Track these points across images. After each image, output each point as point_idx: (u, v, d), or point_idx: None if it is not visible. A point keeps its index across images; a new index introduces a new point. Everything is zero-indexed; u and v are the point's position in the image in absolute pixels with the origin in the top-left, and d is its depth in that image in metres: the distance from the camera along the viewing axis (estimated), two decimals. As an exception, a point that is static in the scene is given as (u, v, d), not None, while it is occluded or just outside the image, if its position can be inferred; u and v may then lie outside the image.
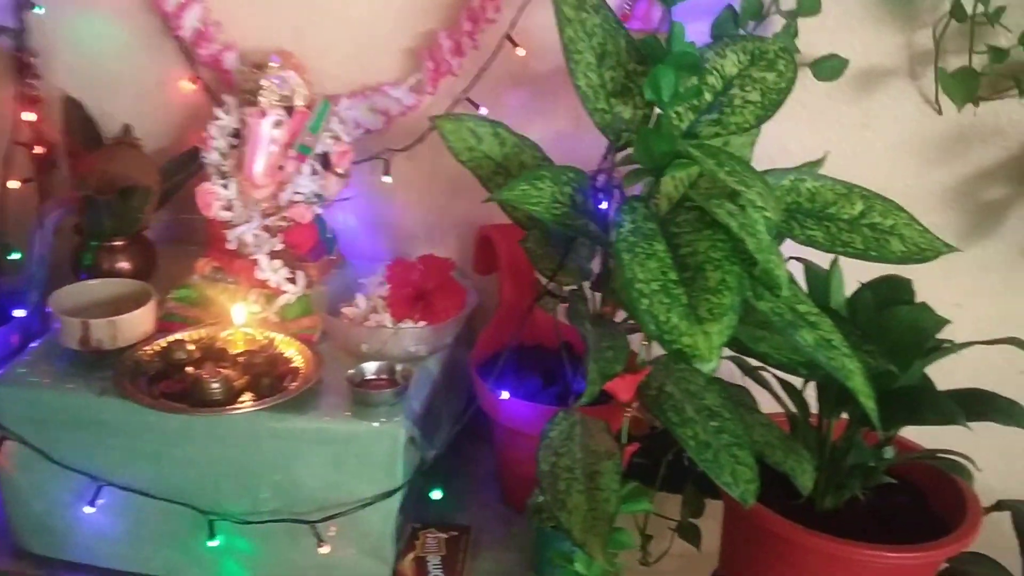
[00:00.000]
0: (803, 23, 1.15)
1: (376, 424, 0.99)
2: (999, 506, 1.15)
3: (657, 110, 0.95)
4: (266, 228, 1.17)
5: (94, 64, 1.34)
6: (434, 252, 1.21)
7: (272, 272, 1.15)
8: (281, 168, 1.17)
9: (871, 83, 1.21)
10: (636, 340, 1.02)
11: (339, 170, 1.20)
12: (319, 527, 1.01)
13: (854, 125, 1.23)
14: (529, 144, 1.06)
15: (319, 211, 1.19)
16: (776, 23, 1.15)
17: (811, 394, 1.03)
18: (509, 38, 1.20)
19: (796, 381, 1.03)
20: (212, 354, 1.08)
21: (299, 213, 1.16)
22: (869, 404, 0.81)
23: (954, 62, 1.15)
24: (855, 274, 1.02)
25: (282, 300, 1.16)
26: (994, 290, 1.28)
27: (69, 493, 1.05)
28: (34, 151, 1.36)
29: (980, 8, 1.10)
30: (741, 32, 1.13)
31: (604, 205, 0.98)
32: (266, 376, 1.04)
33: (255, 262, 1.15)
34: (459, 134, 1.02)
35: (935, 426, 0.94)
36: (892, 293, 1.01)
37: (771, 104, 0.98)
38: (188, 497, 1.03)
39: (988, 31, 1.13)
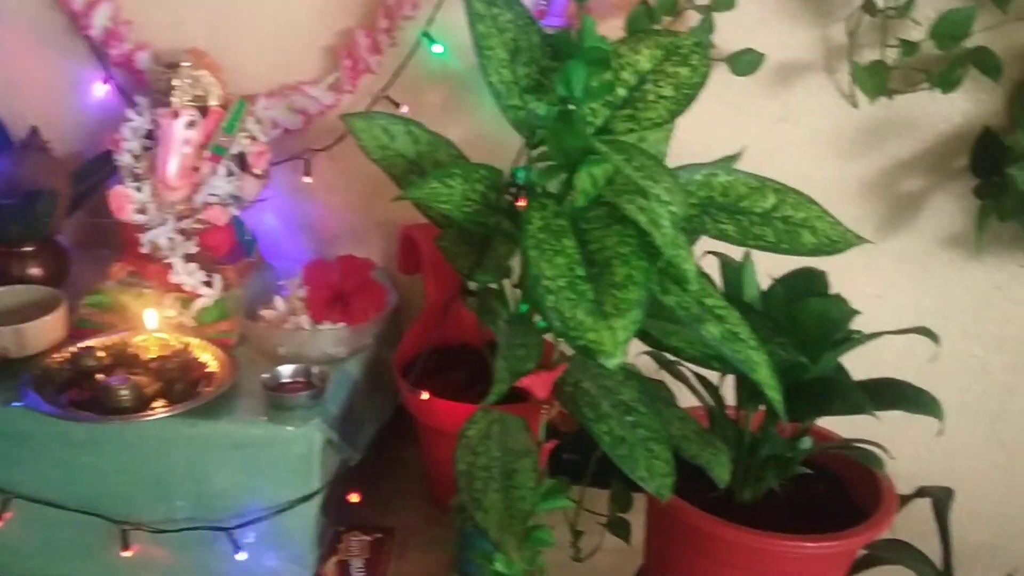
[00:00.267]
0: (720, 18, 1.15)
1: (291, 428, 0.98)
2: (921, 493, 1.17)
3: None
4: (181, 231, 1.15)
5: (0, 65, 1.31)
6: (360, 252, 1.20)
7: (187, 276, 1.13)
8: (196, 170, 1.15)
9: (789, 77, 1.22)
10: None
11: (256, 171, 1.18)
12: (236, 534, 1.00)
13: (773, 119, 1.24)
14: (444, 142, 1.05)
15: (236, 213, 1.17)
16: (694, 19, 1.16)
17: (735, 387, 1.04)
18: (427, 35, 1.19)
19: (715, 374, 1.04)
20: (124, 360, 1.06)
21: (215, 215, 1.14)
22: (775, 396, 0.81)
23: (869, 56, 1.17)
24: (778, 267, 1.03)
25: (198, 304, 1.14)
26: (913, 280, 1.30)
27: (-24, 506, 1.02)
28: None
29: (891, 2, 1.12)
30: (656, 27, 1.14)
31: (521, 203, 0.97)
32: (179, 382, 1.02)
33: (170, 266, 1.13)
34: (371, 132, 1.01)
35: (852, 416, 0.95)
36: (807, 285, 1.01)
37: (684, 99, 0.98)
38: (100, 507, 1.01)
39: (902, 25, 1.14)
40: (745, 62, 1.16)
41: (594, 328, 0.78)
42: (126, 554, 1.00)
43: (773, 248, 0.95)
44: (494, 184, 0.95)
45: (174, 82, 1.14)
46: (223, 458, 0.99)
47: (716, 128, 1.24)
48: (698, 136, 1.24)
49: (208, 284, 1.15)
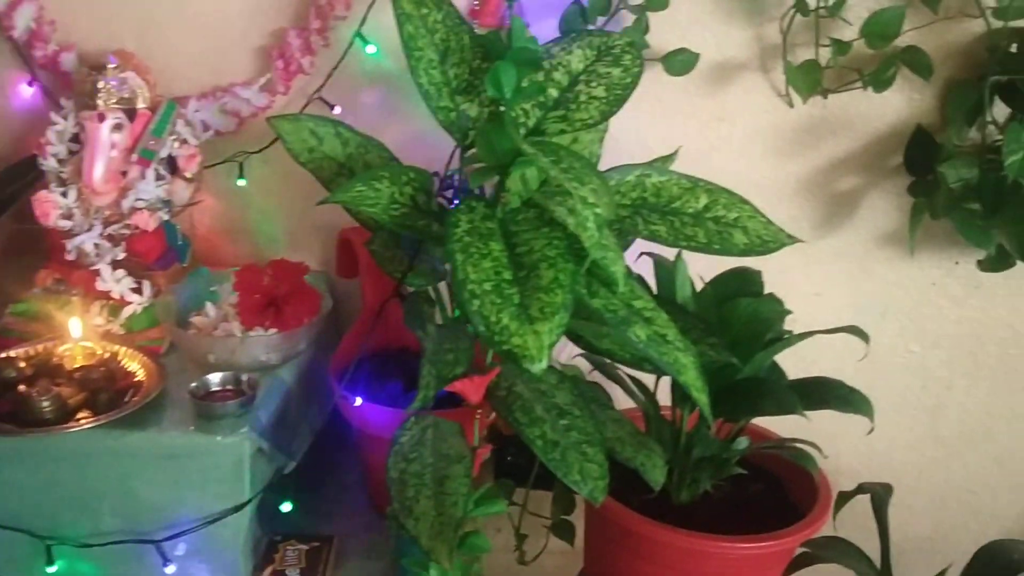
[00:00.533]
0: (656, 18, 1.15)
1: (219, 437, 0.96)
2: (861, 489, 1.18)
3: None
4: (109, 237, 1.12)
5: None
6: (299, 256, 1.18)
7: (115, 282, 1.11)
8: (123, 174, 1.12)
9: (725, 77, 1.22)
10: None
11: (187, 174, 1.16)
12: (165, 547, 0.98)
13: (710, 119, 1.24)
14: (375, 144, 1.03)
15: (167, 217, 1.15)
16: (629, 19, 1.15)
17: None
18: (360, 35, 1.17)
19: (651, 376, 1.04)
20: (46, 371, 1.02)
21: (143, 220, 1.11)
22: (701, 398, 0.81)
23: (803, 55, 1.17)
24: (719, 267, 1.03)
25: (127, 311, 1.11)
26: (852, 278, 1.31)
27: None
28: None
29: (823, 1, 1.12)
30: (590, 28, 1.13)
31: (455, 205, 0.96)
32: (104, 392, 1.00)
33: (97, 273, 1.10)
34: (298, 135, 0.99)
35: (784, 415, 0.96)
36: (741, 285, 1.02)
37: (616, 99, 0.97)
38: (24, 522, 0.98)
39: (836, 24, 1.15)
40: (680, 62, 1.16)
41: (519, 333, 0.77)
42: (51, 570, 0.97)
43: (705, 249, 0.95)
44: (424, 187, 0.94)
45: (99, 84, 1.11)
46: (150, 469, 0.97)
47: (654, 128, 1.25)
48: (636, 136, 1.24)
49: (137, 291, 1.12)
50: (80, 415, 0.97)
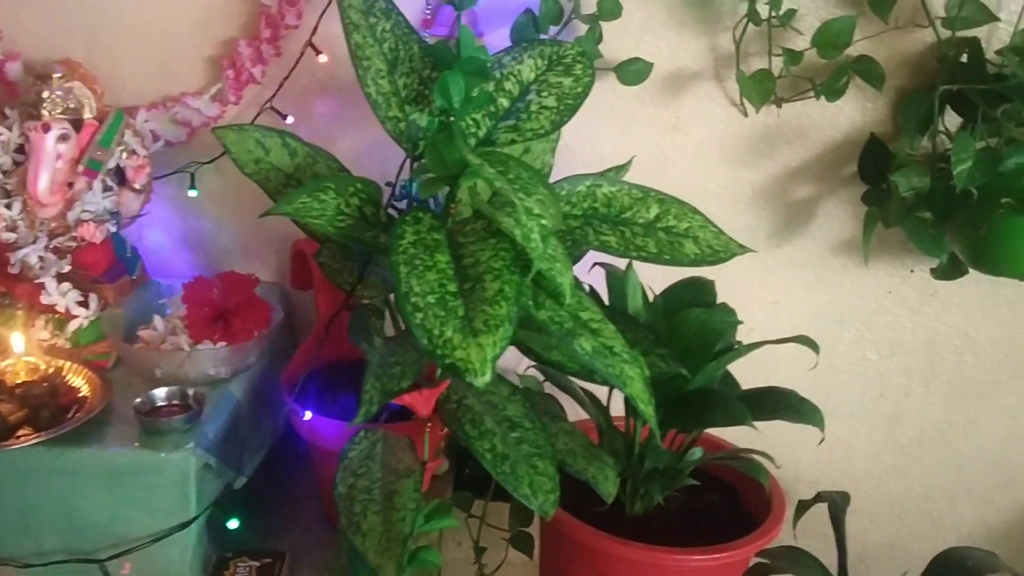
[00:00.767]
0: (609, 28, 1.15)
1: (163, 453, 0.94)
2: (819, 498, 1.18)
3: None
4: (54, 249, 1.10)
5: None
6: (252, 268, 1.16)
7: (60, 296, 1.08)
8: (70, 185, 1.10)
9: (679, 86, 1.22)
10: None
11: (136, 185, 1.14)
12: (109, 566, 0.95)
13: (665, 128, 1.24)
14: (324, 154, 1.02)
15: (115, 229, 1.13)
16: (581, 28, 1.15)
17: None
18: (311, 45, 1.16)
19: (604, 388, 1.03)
20: (-13, 387, 1.00)
21: (89, 232, 1.09)
22: (647, 410, 0.81)
23: (757, 64, 1.18)
24: (673, 277, 1.02)
25: (73, 325, 1.09)
26: (808, 286, 1.31)
27: None
28: None
29: (774, 11, 1.12)
30: (542, 37, 1.12)
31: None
32: (47, 408, 0.97)
33: (42, 286, 1.08)
34: (244, 146, 0.98)
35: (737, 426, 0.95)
36: (694, 295, 1.01)
37: (567, 109, 0.96)
38: (-37, 543, 0.96)
39: (790, 34, 1.15)
40: (633, 72, 1.16)
41: (462, 346, 0.76)
42: (-8, 591, 0.95)
43: (655, 259, 0.94)
44: (372, 198, 0.93)
45: (44, 94, 1.09)
46: (93, 487, 0.95)
47: (608, 138, 1.24)
48: (591, 146, 1.24)
49: (83, 304, 1.10)
50: (20, 432, 0.95)
